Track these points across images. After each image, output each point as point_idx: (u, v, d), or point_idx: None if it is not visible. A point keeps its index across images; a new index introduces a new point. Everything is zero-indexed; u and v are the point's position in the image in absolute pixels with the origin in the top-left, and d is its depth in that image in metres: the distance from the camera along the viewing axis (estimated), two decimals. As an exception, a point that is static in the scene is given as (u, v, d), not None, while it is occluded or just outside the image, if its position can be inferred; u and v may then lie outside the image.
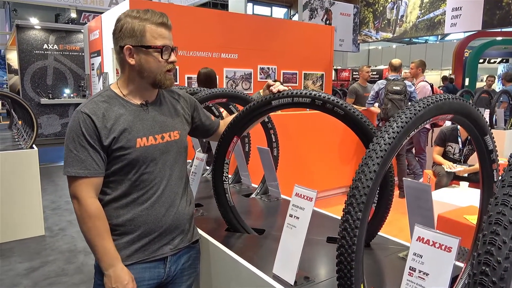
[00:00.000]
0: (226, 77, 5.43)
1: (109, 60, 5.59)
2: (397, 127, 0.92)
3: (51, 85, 9.54)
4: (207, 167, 2.74)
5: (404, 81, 5.11)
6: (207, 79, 3.92)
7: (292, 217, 1.28)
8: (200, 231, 1.67)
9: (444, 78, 11.59)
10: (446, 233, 0.88)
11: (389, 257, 1.47)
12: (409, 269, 0.92)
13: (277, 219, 1.91)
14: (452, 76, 11.41)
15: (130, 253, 1.33)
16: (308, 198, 1.24)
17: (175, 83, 4.99)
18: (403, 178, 1.44)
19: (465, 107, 1.08)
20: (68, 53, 9.67)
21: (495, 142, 1.24)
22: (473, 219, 2.91)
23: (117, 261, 1.28)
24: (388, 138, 0.91)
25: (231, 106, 2.37)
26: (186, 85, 5.09)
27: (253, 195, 2.23)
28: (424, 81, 5.76)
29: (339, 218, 1.86)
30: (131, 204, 1.32)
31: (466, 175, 4.23)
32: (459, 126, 4.39)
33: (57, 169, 6.86)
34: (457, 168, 4.18)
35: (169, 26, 1.34)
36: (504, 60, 16.07)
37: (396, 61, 5.37)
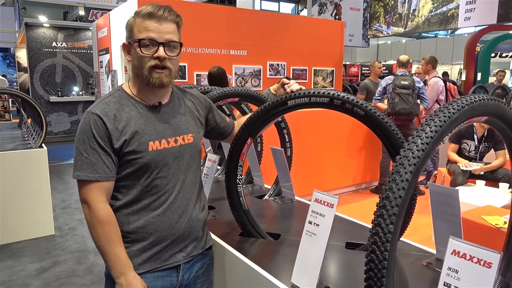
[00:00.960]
0: (235, 74, 5.36)
1: (117, 58, 5.56)
2: (430, 131, 0.85)
3: (60, 83, 9.56)
4: (218, 167, 2.68)
5: (413, 76, 5.01)
6: (217, 79, 3.86)
7: (311, 224, 1.21)
8: (213, 236, 1.61)
9: (444, 74, 11.39)
10: (485, 247, 0.81)
11: (413, 264, 1.40)
12: (444, 284, 0.85)
13: (292, 222, 1.85)
14: (447, 71, 11.16)
15: (141, 261, 1.27)
16: (329, 205, 1.17)
17: (184, 81, 4.94)
18: (428, 183, 1.37)
19: (501, 108, 1.00)
20: (76, 50, 9.68)
21: (529, 144, 1.16)
22: (492, 220, 2.83)
23: (128, 269, 1.22)
24: (422, 143, 0.84)
25: (243, 105, 2.30)
26: (195, 82, 5.03)
27: (266, 197, 2.17)
28: (437, 77, 5.65)
29: (357, 221, 1.80)
30: (143, 211, 1.27)
31: (482, 173, 4.12)
32: (475, 123, 4.30)
33: (67, 167, 6.87)
34: (474, 167, 4.08)
35: (160, 17, 1.22)
36: (516, 54, 15.74)
37: (403, 58, 5.27)
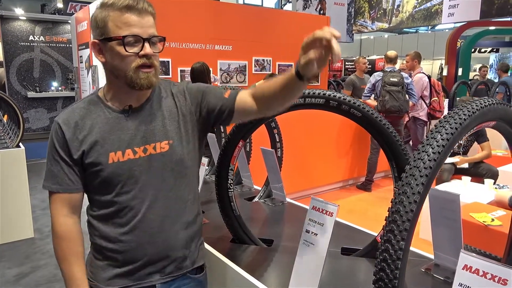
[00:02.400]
0: (220, 69, 5.26)
1: (98, 53, 5.37)
2: (442, 139, 0.80)
3: (38, 78, 9.24)
4: (206, 167, 2.60)
5: (401, 72, 5.00)
6: (200, 75, 3.77)
7: (309, 233, 1.15)
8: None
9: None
10: (498, 263, 0.76)
11: (411, 271, 1.36)
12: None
13: (285, 227, 1.79)
14: (429, 66, 11.26)
15: (112, 276, 1.15)
16: (329, 213, 1.11)
17: (167, 77, 4.82)
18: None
19: (509, 112, 0.95)
20: (55, 45, 9.36)
21: (533, 149, 1.12)
22: (479, 218, 2.83)
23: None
24: (433, 152, 0.78)
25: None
26: (179, 78, 4.91)
27: (256, 199, 2.11)
28: (421, 73, 5.67)
29: (351, 225, 1.75)
30: (111, 227, 1.14)
31: (466, 166, 4.16)
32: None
33: (46, 165, 6.65)
34: (455, 159, 4.13)
35: (141, 9, 1.06)
36: (495, 50, 16.06)
37: (391, 53, 5.25)
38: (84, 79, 6.26)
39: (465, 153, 4.32)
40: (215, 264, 1.45)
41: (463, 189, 3.82)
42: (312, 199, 1.17)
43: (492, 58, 15.48)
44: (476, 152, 4.21)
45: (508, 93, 6.31)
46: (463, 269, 0.81)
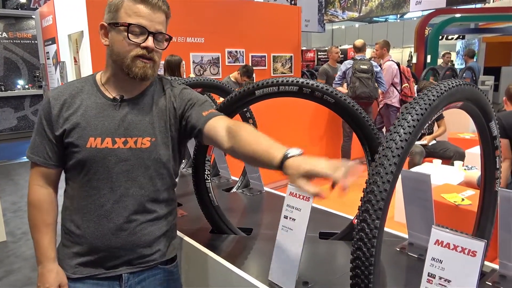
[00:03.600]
0: (193, 62, 5.21)
1: (65, 48, 5.21)
2: (412, 120, 0.82)
3: (2, 77, 8.87)
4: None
5: (370, 61, 5.10)
6: (176, 68, 3.73)
7: (287, 218, 1.17)
8: (181, 235, 1.53)
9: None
10: (469, 235, 0.79)
11: (387, 251, 1.40)
12: (428, 275, 0.83)
13: (263, 215, 1.80)
14: (398, 54, 11.53)
15: (78, 264, 1.16)
16: (305, 198, 1.13)
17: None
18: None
19: (475, 92, 0.99)
20: (19, 41, 9.00)
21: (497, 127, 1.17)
22: (450, 198, 2.93)
23: (46, 260, 1.16)
24: (404, 133, 0.80)
25: (205, 96, 2.21)
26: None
27: (234, 189, 2.11)
28: (390, 60, 5.78)
29: (328, 209, 1.78)
30: (80, 212, 1.15)
31: (431, 145, 4.38)
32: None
33: (16, 166, 6.44)
34: (423, 141, 4.35)
35: (154, 5, 1.09)
36: (461, 37, 16.55)
37: (359, 42, 5.34)
38: (52, 76, 6.05)
39: (430, 133, 4.50)
40: (196, 256, 1.44)
41: (434, 171, 3.95)
42: (289, 186, 1.18)
43: (459, 44, 15.94)
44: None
45: (474, 78, 6.53)
46: (435, 244, 0.84)
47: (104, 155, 1.11)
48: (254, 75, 6.05)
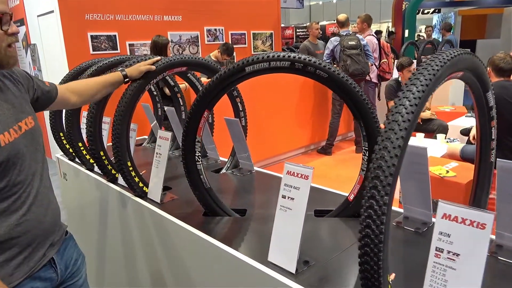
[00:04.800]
0: (172, 41, 5.05)
1: (35, 30, 4.96)
2: (417, 91, 0.79)
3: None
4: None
5: (356, 35, 5.06)
6: (164, 48, 3.64)
7: (285, 198, 1.14)
8: (174, 219, 1.49)
9: (377, 32, 11.85)
10: (477, 208, 0.78)
11: (383, 225, 1.39)
12: (436, 250, 0.82)
13: (256, 195, 1.77)
14: (376, 29, 11.58)
15: (12, 270, 1.10)
16: (303, 176, 1.10)
17: (115, 52, 4.55)
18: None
19: (475, 62, 0.97)
20: (-16, 24, 8.53)
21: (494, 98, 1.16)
22: (435, 170, 2.98)
23: None
24: (410, 105, 0.77)
25: (190, 75, 2.13)
26: (128, 53, 4.66)
27: (223, 170, 2.07)
28: (371, 35, 5.76)
29: (321, 187, 1.77)
30: (7, 217, 1.08)
31: (420, 123, 4.38)
32: (400, 78, 4.49)
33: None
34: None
35: None
36: (437, 10, 16.65)
37: (342, 16, 5.27)
38: (23, 60, 5.78)
39: None
40: (190, 240, 1.41)
41: (418, 144, 4.01)
42: (285, 164, 1.15)
43: (435, 18, 16.05)
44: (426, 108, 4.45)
45: (452, 51, 6.59)
46: (442, 217, 0.82)
47: (17, 146, 1.09)
48: (234, 54, 5.94)
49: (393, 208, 1.51)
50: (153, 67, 1.62)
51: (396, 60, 6.51)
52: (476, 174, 1.26)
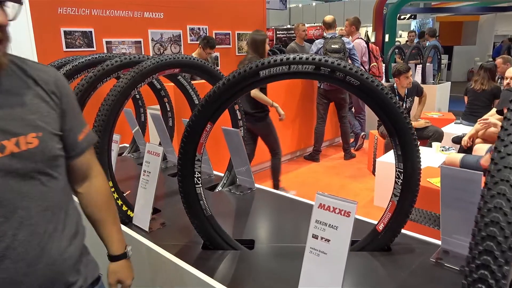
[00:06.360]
0: (152, 40, 4.72)
1: None
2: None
3: None
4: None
5: (342, 38, 4.89)
6: (261, 44, 3.37)
7: (317, 238, 0.89)
8: (166, 254, 1.22)
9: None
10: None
11: (421, 263, 1.17)
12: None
13: (262, 220, 1.52)
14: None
15: None
16: (345, 213, 0.86)
17: (91, 50, 4.20)
18: (441, 166, 1.13)
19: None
20: None
21: None
22: (436, 182, 2.80)
23: None
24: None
25: (180, 77, 1.87)
26: (105, 51, 4.31)
27: (219, 187, 1.81)
28: (359, 38, 5.62)
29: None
30: None
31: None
32: (396, 84, 4.34)
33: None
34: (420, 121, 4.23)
35: None
36: (413, 16, 16.87)
37: (329, 18, 5.10)
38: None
39: (408, 112, 4.38)
40: (187, 279, 1.14)
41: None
42: (317, 195, 0.91)
43: (413, 24, 16.26)
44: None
45: (438, 57, 6.55)
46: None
47: None
48: (218, 54, 5.67)
49: (428, 239, 1.30)
50: None
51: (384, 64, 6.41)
52: None
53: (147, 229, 1.38)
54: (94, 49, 4.22)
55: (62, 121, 0.91)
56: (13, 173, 0.80)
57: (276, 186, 3.55)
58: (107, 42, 4.31)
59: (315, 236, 0.90)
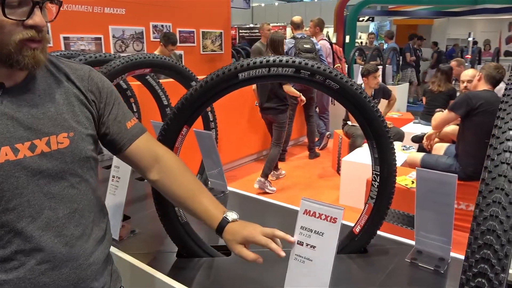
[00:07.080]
0: (114, 37, 4.56)
1: None
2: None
3: None
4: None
5: (311, 38, 4.95)
6: (277, 45, 3.66)
7: (302, 245, 0.88)
8: (139, 264, 1.17)
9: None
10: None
11: (397, 264, 1.19)
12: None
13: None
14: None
15: None
16: (331, 219, 0.85)
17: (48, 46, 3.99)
18: (417, 169, 1.15)
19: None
20: None
21: None
22: (401, 181, 2.89)
23: None
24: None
25: (149, 77, 1.80)
26: (63, 48, 4.10)
27: (190, 191, 1.76)
28: (323, 39, 5.71)
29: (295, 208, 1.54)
30: None
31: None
32: (363, 84, 4.46)
33: None
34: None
35: None
36: (371, 19, 17.44)
37: (297, 18, 5.14)
38: None
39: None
40: (162, 291, 1.10)
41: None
42: (302, 201, 0.89)
43: (372, 26, 16.79)
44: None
45: (397, 58, 6.79)
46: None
47: (7, 173, 0.76)
48: (182, 53, 5.56)
49: (402, 239, 1.32)
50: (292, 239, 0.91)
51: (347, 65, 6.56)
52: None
53: (117, 238, 1.31)
54: (51, 45, 4.01)
55: (104, 113, 0.91)
56: (43, 173, 0.79)
57: (265, 175, 3.92)
58: (64, 38, 4.11)
59: (300, 243, 0.88)
